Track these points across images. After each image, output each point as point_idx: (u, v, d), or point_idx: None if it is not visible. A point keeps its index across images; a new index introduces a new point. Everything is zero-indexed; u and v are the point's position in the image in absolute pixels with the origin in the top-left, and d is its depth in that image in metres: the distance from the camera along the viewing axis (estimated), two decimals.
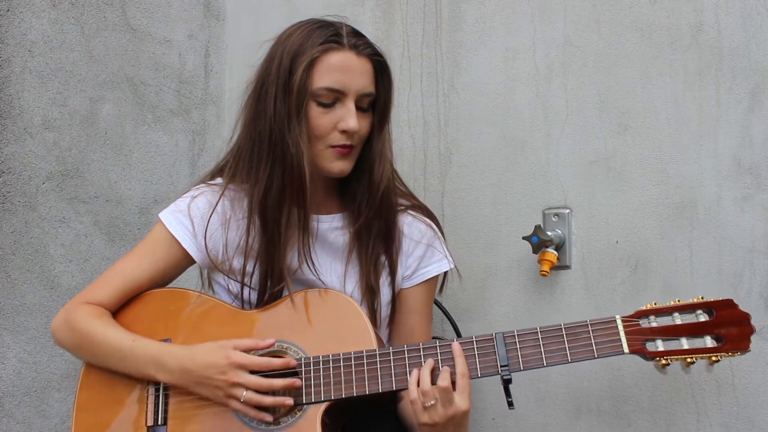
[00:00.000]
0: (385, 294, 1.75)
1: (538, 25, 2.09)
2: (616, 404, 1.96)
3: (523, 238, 2.01)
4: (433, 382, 1.51)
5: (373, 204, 1.71)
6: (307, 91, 1.63)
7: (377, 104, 1.71)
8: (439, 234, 1.80)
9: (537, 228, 1.99)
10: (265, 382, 1.55)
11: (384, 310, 1.76)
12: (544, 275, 1.98)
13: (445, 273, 1.82)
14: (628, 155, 1.96)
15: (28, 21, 2.10)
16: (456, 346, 1.54)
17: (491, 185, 2.13)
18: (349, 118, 1.64)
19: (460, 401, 1.50)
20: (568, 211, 2.02)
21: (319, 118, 1.65)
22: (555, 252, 1.98)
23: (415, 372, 1.53)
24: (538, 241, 1.98)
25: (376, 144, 1.71)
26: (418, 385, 1.52)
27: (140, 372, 1.64)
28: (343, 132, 1.65)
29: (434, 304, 2.01)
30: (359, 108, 1.67)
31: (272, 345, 1.60)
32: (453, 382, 1.51)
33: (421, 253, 1.77)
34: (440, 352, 1.55)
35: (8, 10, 2.06)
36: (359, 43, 1.67)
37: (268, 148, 1.66)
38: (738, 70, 1.86)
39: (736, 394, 1.83)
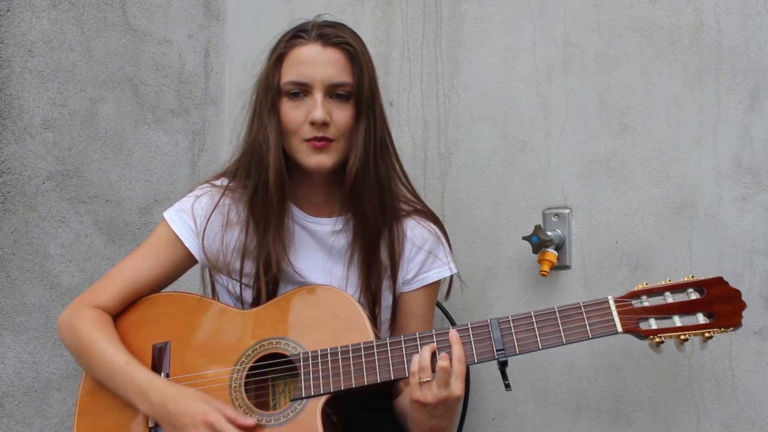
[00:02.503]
0: (385, 297, 1.75)
1: (538, 25, 2.09)
2: (616, 404, 1.96)
3: (523, 238, 2.01)
4: (433, 366, 1.52)
5: (347, 198, 1.70)
6: (277, 87, 1.67)
7: (353, 94, 1.68)
8: (443, 240, 1.79)
9: (537, 228, 1.99)
10: None
11: (384, 314, 1.76)
12: (544, 275, 1.98)
13: (451, 279, 1.82)
14: (628, 155, 1.96)
15: (28, 21, 2.10)
16: (453, 333, 1.55)
17: (491, 185, 2.13)
18: (314, 109, 1.64)
19: (455, 385, 1.51)
20: (568, 211, 2.02)
21: (290, 112, 1.66)
22: (555, 252, 1.98)
23: (416, 355, 1.54)
24: (538, 241, 1.98)
25: (354, 136, 1.68)
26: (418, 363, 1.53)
27: (124, 396, 1.63)
28: (312, 124, 1.65)
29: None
30: (335, 99, 1.66)
31: (253, 425, 1.55)
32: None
33: (423, 258, 1.77)
34: (437, 341, 1.56)
35: (8, 10, 2.06)
36: (327, 33, 1.67)
37: (258, 150, 1.69)
38: (738, 70, 1.86)
39: (736, 394, 1.83)
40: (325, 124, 1.64)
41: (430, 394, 1.51)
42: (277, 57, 1.67)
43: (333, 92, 1.66)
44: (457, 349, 1.53)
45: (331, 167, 1.68)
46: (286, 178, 1.68)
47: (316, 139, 1.65)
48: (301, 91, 1.66)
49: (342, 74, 1.67)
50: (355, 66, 1.67)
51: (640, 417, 1.93)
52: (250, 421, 1.55)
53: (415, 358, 1.53)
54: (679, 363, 1.88)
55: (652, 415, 1.91)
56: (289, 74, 1.66)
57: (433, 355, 1.53)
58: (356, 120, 1.68)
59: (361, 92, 1.68)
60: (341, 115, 1.66)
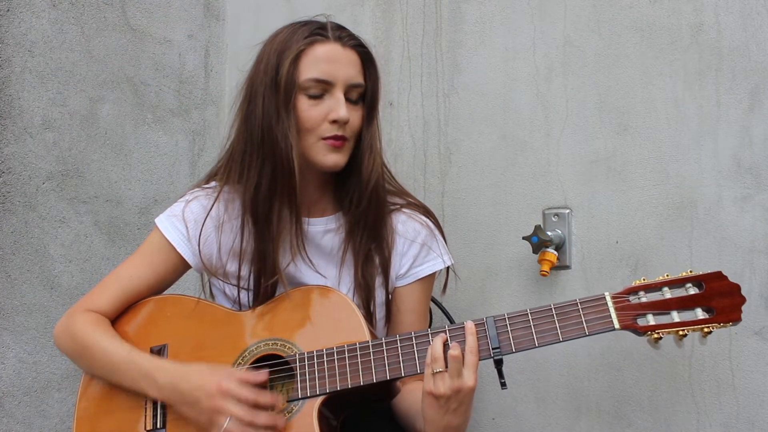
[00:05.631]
0: (379, 294, 1.75)
1: (538, 25, 2.09)
2: (616, 404, 1.95)
3: (523, 238, 2.01)
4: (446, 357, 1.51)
5: (363, 198, 1.70)
6: (295, 84, 1.64)
7: (366, 97, 1.71)
8: (436, 232, 1.78)
9: (537, 228, 1.99)
10: (248, 417, 1.52)
11: (379, 311, 1.75)
12: (544, 275, 1.98)
13: (447, 272, 1.82)
14: (628, 155, 1.96)
15: (28, 21, 2.10)
16: (469, 324, 1.54)
17: (491, 185, 2.13)
18: (338, 108, 1.64)
19: (468, 376, 1.50)
20: (568, 211, 2.02)
21: (309, 110, 1.65)
22: (555, 252, 1.98)
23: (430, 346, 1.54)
24: (538, 241, 1.98)
25: (366, 137, 1.70)
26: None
27: (132, 385, 1.63)
28: (334, 122, 1.65)
29: (434, 304, 2.01)
30: (348, 100, 1.67)
31: (265, 380, 1.56)
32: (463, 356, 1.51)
33: (415, 252, 1.76)
34: (450, 333, 1.54)
35: (8, 10, 2.06)
36: (343, 35, 1.69)
37: (259, 147, 1.66)
38: (738, 70, 1.86)
39: (736, 394, 1.83)
40: (345, 123, 1.65)
41: (443, 385, 1.50)
42: (297, 54, 1.65)
43: (349, 93, 1.67)
44: (471, 341, 1.52)
45: (343, 166, 1.69)
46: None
47: (335, 137, 1.65)
48: (322, 89, 1.66)
49: (358, 76, 1.68)
50: (367, 69, 1.70)
51: (640, 417, 1.93)
52: (261, 375, 1.55)
53: (429, 349, 1.53)
54: (679, 363, 1.88)
55: (652, 415, 1.91)
56: (311, 71, 1.64)
57: (445, 346, 1.52)
58: (369, 121, 1.71)
59: (372, 94, 1.71)
60: (356, 115, 1.68)
